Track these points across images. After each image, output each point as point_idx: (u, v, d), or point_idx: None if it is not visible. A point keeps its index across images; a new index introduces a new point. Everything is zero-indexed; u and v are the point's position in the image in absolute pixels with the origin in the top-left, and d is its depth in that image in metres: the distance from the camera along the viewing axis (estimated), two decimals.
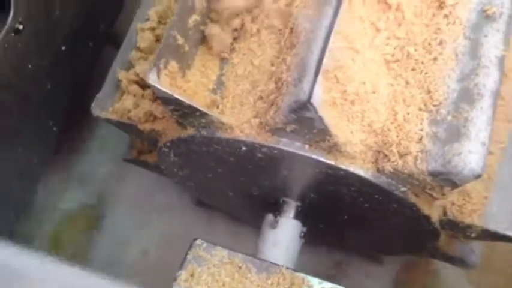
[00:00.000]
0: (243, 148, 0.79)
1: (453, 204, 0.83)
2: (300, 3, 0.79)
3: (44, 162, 1.21)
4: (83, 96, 1.03)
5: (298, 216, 0.96)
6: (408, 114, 0.75)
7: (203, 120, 0.79)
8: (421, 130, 0.74)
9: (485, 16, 0.77)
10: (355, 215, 0.93)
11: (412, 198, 0.79)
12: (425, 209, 0.81)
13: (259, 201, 0.99)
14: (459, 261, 1.04)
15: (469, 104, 0.72)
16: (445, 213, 0.84)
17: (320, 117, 0.68)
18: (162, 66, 0.76)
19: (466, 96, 0.73)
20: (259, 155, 0.79)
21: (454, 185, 0.72)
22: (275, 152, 0.77)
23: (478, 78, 0.73)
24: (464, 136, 0.71)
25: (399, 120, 0.75)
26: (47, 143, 1.20)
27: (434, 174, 0.72)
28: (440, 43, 0.77)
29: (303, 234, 0.95)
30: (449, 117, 0.73)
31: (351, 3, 0.76)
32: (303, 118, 0.70)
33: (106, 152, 1.38)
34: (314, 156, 0.75)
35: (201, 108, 0.76)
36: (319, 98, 0.68)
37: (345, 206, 0.89)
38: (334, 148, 0.74)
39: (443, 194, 0.76)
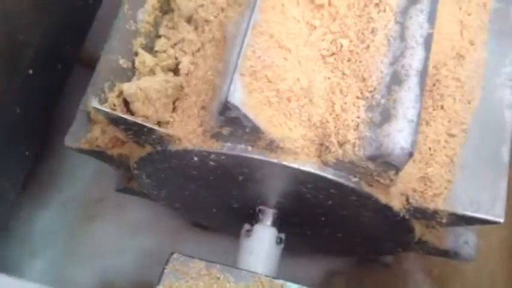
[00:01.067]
0: (195, 158, 0.81)
1: (415, 190, 0.82)
2: (232, 13, 0.82)
3: (17, 186, 1.22)
4: (56, 118, 1.04)
5: (274, 222, 0.96)
6: (345, 103, 0.76)
7: (153, 136, 0.81)
8: (358, 117, 0.74)
9: None
10: (327, 216, 0.92)
11: (366, 188, 0.78)
12: (383, 198, 0.79)
13: (242, 213, 1.00)
14: (453, 255, 1.00)
15: (398, 85, 0.72)
16: (408, 201, 0.82)
17: (245, 115, 0.70)
18: (106, 89, 0.81)
19: (396, 79, 0.73)
20: (212, 163, 0.81)
21: (394, 168, 0.72)
22: (223, 157, 0.79)
23: (404, 60, 0.73)
24: (393, 117, 0.70)
25: (337, 111, 0.75)
26: (19, 167, 1.20)
27: (372, 159, 0.71)
28: (372, 31, 0.78)
29: (279, 240, 0.95)
30: (382, 101, 0.73)
31: (283, 5, 0.78)
32: (230, 119, 0.71)
33: (84, 174, 1.39)
34: (257, 156, 0.76)
35: (146, 124, 0.79)
36: (239, 96, 0.69)
37: (313, 206, 0.88)
38: (273, 146, 0.75)
39: (391, 180, 0.75)
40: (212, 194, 0.97)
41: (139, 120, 0.80)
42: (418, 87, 0.71)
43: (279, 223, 0.96)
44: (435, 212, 0.82)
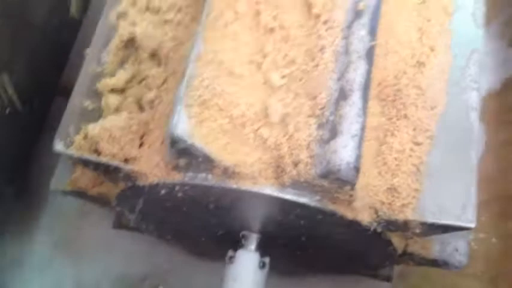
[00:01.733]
0: (163, 191, 0.83)
1: (383, 203, 0.81)
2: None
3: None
4: (38, 153, 1.05)
5: (258, 247, 0.96)
6: (298, 123, 0.76)
7: (121, 174, 0.84)
8: (309, 136, 0.74)
9: (356, 13, 0.78)
10: (306, 236, 0.92)
11: (330, 206, 0.78)
12: (349, 214, 0.79)
13: (229, 240, 1.00)
14: (443, 263, 0.98)
15: (344, 101, 0.73)
16: (377, 214, 0.82)
17: (193, 146, 0.71)
18: (72, 132, 0.84)
19: (343, 94, 0.73)
20: (180, 194, 0.82)
21: (347, 183, 0.71)
22: (186, 188, 0.80)
23: (348, 75, 0.74)
24: (339, 133, 0.71)
25: (290, 131, 0.76)
26: (1, 205, 1.21)
27: (323, 177, 0.72)
28: (321, 49, 0.78)
29: (262, 264, 0.95)
30: (331, 118, 0.73)
31: (235, 33, 0.80)
32: (181, 150, 0.73)
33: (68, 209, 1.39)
34: (216, 184, 0.77)
35: (111, 163, 0.82)
36: (184, 128, 0.71)
37: (290, 228, 0.88)
38: (230, 172, 0.76)
39: (351, 195, 0.75)
40: (194, 224, 0.98)
41: (103, 160, 0.82)
42: (361, 101, 0.72)
43: (263, 247, 0.97)
44: (406, 223, 0.81)
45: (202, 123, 0.74)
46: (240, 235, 0.98)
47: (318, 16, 0.81)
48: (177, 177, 0.80)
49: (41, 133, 1.29)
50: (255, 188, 0.77)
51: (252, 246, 0.96)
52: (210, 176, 0.78)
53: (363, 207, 0.81)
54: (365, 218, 0.81)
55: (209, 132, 0.74)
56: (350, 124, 0.70)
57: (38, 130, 1.29)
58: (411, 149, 0.83)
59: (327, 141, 0.71)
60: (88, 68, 0.88)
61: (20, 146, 1.24)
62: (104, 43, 0.91)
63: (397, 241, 0.88)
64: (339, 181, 0.72)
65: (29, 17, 1.16)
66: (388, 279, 1.21)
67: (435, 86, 0.86)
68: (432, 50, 0.88)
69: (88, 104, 0.87)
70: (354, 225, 0.81)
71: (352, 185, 0.72)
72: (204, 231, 1.02)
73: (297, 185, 0.75)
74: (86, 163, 0.83)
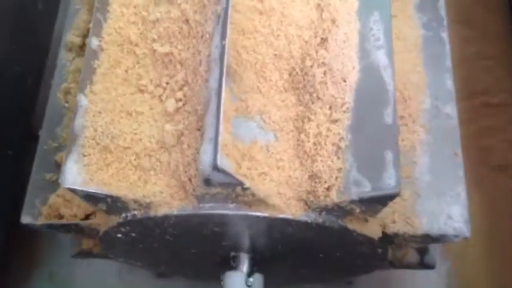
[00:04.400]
0: (118, 235, 0.89)
1: (308, 192, 0.78)
2: None
3: None
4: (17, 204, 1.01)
5: (249, 266, 0.96)
6: (190, 140, 0.78)
7: (85, 229, 0.92)
8: (196, 149, 0.75)
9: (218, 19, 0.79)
10: (302, 253, 0.91)
11: (244, 210, 0.78)
12: (273, 213, 0.78)
13: (220, 262, 1.01)
14: (440, 237, 0.88)
15: (208, 109, 0.74)
16: (307, 205, 0.78)
17: (93, 192, 0.77)
18: (38, 204, 0.94)
19: (207, 102, 0.75)
20: (131, 233, 0.88)
21: (229, 185, 0.71)
22: (128, 227, 0.85)
23: (209, 83, 0.75)
24: (203, 140, 0.72)
25: (185, 150, 0.78)
26: None
27: (207, 184, 0.72)
28: (200, 62, 0.80)
29: (249, 285, 0.94)
30: (206, 128, 0.74)
31: (138, 74, 0.86)
32: (87, 197, 0.79)
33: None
34: (138, 217, 0.81)
35: (69, 222, 0.90)
36: (72, 178, 0.76)
37: (284, 246, 0.89)
38: (145, 204, 0.79)
39: (253, 195, 0.74)
40: (187, 250, 1.00)
41: (64, 222, 0.91)
42: (216, 107, 0.72)
43: (254, 265, 0.96)
44: (336, 206, 0.76)
45: (108, 166, 0.79)
46: (231, 255, 0.98)
47: (195, 34, 0.83)
48: (115, 221, 0.85)
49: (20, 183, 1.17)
50: (169, 211, 0.79)
51: (242, 266, 0.96)
52: (136, 212, 0.82)
53: (288, 201, 0.78)
54: (297, 211, 0.79)
55: (117, 172, 0.79)
56: (209, 131, 0.71)
57: (15, 180, 1.27)
58: (328, 129, 0.79)
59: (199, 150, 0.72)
60: (44, 146, 0.99)
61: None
62: (57, 120, 1.01)
63: (357, 227, 0.82)
64: (224, 185, 0.72)
65: None
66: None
67: (341, 58, 0.81)
68: (334, 22, 0.84)
69: (51, 175, 0.97)
70: (290, 222, 0.79)
71: (222, 184, 0.72)
72: (199, 255, 1.03)
73: (203, 197, 0.77)
74: (52, 228, 0.92)
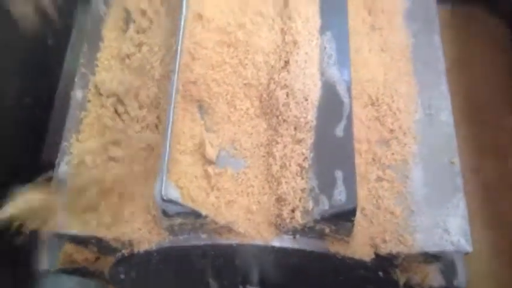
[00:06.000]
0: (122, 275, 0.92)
1: (277, 215, 0.77)
2: None
3: None
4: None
5: None
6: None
7: (92, 272, 0.97)
8: None
9: None
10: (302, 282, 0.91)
11: (217, 239, 0.78)
12: (248, 239, 0.78)
13: None
14: (437, 254, 0.82)
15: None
16: (278, 228, 0.77)
17: (75, 234, 0.82)
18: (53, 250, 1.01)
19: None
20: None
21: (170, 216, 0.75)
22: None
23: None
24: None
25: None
26: None
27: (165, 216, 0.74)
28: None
29: None
30: None
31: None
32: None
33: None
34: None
35: (81, 265, 0.95)
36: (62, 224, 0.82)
37: (277, 276, 0.88)
38: (126, 242, 0.83)
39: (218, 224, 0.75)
40: (193, 284, 1.01)
41: (75, 266, 0.96)
42: (165, 142, 0.74)
43: None
44: (305, 227, 0.75)
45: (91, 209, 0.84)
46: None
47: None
48: (111, 262, 0.89)
49: None
50: (148, 246, 0.81)
51: None
52: (124, 251, 0.85)
53: (258, 227, 0.78)
54: (268, 236, 0.78)
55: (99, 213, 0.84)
56: (160, 165, 0.74)
57: None
58: (292, 150, 0.78)
59: None
60: None
61: None
62: None
63: (351, 248, 0.80)
64: (182, 214, 0.74)
65: None
66: None
67: (301, 78, 0.81)
68: (295, 43, 0.84)
69: None
70: (266, 248, 0.78)
71: (180, 214, 0.74)
72: None
73: (176, 230, 0.79)
74: (67, 272, 0.98)
